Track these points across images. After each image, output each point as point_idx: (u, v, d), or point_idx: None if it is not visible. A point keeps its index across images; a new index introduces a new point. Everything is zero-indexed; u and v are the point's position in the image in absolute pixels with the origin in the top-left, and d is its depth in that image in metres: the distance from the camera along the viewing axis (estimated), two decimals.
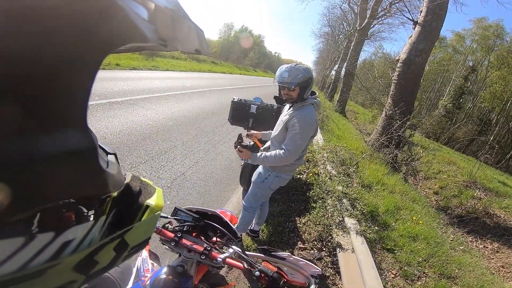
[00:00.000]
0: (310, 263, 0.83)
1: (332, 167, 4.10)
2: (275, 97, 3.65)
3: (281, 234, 2.58)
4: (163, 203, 0.46)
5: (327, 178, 3.67)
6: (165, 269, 0.80)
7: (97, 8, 0.22)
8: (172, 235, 0.83)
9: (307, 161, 4.78)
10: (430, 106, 30.32)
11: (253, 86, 19.91)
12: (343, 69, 17.10)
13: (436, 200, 6.81)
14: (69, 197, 0.28)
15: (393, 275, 2.37)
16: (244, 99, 2.98)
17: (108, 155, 0.36)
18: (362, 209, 3.02)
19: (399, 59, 6.26)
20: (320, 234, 2.65)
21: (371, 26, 16.55)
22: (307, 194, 3.34)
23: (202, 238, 0.88)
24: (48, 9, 0.20)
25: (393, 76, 6.48)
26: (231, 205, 3.00)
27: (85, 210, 0.32)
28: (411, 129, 6.44)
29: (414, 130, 6.69)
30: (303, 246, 2.51)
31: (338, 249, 2.41)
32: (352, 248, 2.40)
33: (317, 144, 5.43)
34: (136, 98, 6.17)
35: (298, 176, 4.05)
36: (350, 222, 2.72)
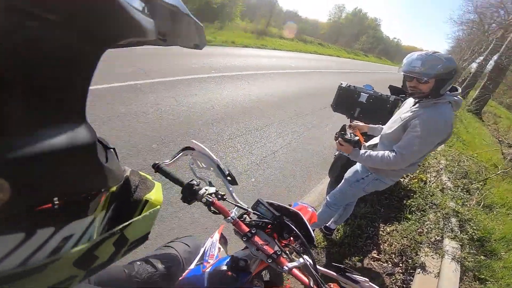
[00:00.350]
0: None
1: (448, 177, 3.38)
2: (390, 87, 3.19)
3: (357, 238, 2.37)
4: (162, 198, 0.45)
5: (438, 189, 3.06)
6: (227, 260, 0.80)
7: (96, 3, 0.22)
8: (246, 229, 0.79)
9: None
10: None
11: (363, 72, 18.12)
12: (491, 62, 13.34)
13: None
14: (69, 191, 0.27)
15: None
16: (354, 86, 2.71)
17: (107, 150, 0.35)
18: (473, 233, 2.43)
19: None
20: (403, 248, 2.29)
21: None
22: (404, 201, 2.90)
23: (276, 237, 0.84)
24: (48, 5, 0.19)
25: None
26: (313, 195, 2.94)
27: (84, 205, 0.31)
28: None
29: None
30: (377, 256, 2.23)
31: (419, 269, 2.06)
32: (438, 272, 2.02)
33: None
34: (244, 73, 6.65)
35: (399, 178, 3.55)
36: (450, 244, 2.27)
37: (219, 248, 0.94)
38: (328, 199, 2.02)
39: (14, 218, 0.23)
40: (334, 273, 0.75)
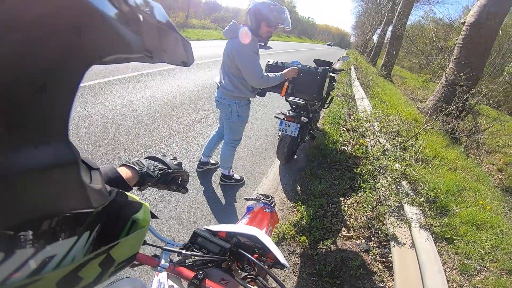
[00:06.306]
0: None
1: (385, 138, 3.52)
2: (315, 61, 3.18)
3: (322, 219, 2.24)
4: (149, 219, 0.44)
5: (380, 152, 3.14)
6: None
7: (80, 19, 0.21)
8: (191, 274, 0.57)
9: (352, 131, 4.27)
10: (494, 72, 26.19)
11: (289, 51, 18.82)
12: (388, 32, 15.53)
13: (499, 179, 5.88)
14: (50, 212, 0.25)
15: (449, 269, 1.96)
16: (281, 62, 2.62)
17: (92, 170, 0.34)
18: (427, 195, 2.45)
19: (464, 22, 5.77)
20: (369, 220, 2.25)
21: None
22: (354, 170, 2.92)
23: (238, 267, 0.64)
24: (31, 19, 0.18)
25: (456, 40, 6.01)
26: (267, 182, 2.72)
27: (67, 226, 0.29)
28: (477, 97, 5.52)
29: (482, 98, 5.69)
30: (348, 234, 2.15)
31: (392, 242, 2.00)
32: (412, 242, 1.97)
33: (365, 112, 4.83)
34: (167, 68, 5.99)
35: (342, 147, 3.61)
36: (411, 211, 2.21)
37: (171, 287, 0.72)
38: (226, 139, 2.38)
39: None
40: None
